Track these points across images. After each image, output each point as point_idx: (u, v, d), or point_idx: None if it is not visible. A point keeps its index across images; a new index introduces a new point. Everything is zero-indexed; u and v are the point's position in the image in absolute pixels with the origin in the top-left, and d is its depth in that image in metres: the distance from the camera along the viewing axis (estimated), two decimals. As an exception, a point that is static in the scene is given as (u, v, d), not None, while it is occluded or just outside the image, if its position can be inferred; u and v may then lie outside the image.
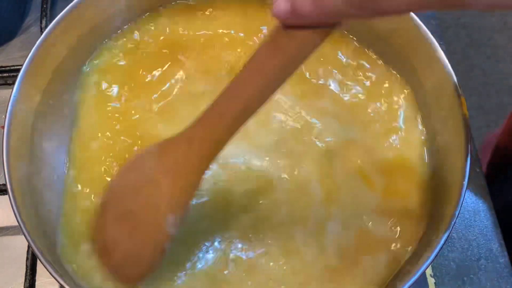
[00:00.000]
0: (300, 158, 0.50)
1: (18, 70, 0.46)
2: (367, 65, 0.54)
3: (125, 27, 0.55)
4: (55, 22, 0.48)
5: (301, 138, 0.51)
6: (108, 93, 0.53)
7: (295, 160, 0.50)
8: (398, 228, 0.47)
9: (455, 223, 0.41)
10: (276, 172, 0.49)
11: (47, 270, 0.40)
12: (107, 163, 0.50)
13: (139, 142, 0.51)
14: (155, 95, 0.53)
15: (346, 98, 0.53)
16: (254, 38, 0.55)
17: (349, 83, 0.53)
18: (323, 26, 0.35)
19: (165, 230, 0.40)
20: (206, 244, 0.47)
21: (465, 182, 0.42)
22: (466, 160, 0.43)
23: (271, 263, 0.46)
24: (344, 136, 0.51)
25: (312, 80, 0.53)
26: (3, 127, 0.44)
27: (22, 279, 0.51)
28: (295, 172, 0.49)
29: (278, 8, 0.35)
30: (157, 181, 0.40)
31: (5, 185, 0.43)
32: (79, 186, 0.49)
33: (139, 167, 0.42)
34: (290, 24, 0.35)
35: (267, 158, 0.50)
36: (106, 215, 0.42)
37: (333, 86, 0.53)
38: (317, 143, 0.51)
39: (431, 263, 0.40)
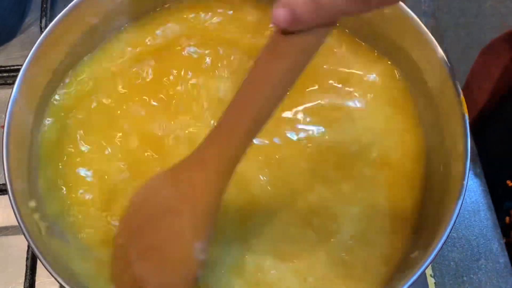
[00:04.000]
0: None
1: (18, 70, 0.46)
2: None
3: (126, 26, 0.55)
4: (55, 22, 0.48)
5: None
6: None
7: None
8: (399, 229, 0.47)
9: (455, 223, 0.41)
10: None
11: (47, 270, 0.40)
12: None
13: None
14: None
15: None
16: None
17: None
18: (323, 27, 0.35)
19: (194, 258, 0.38)
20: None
21: (465, 182, 0.42)
22: (466, 160, 0.43)
23: None
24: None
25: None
26: (3, 127, 0.44)
27: (22, 279, 0.51)
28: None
29: (278, 16, 0.34)
30: (176, 210, 0.38)
31: (5, 185, 0.43)
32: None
33: (152, 198, 0.40)
34: (291, 31, 0.35)
35: None
36: (128, 255, 0.40)
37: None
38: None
39: (431, 263, 0.40)
